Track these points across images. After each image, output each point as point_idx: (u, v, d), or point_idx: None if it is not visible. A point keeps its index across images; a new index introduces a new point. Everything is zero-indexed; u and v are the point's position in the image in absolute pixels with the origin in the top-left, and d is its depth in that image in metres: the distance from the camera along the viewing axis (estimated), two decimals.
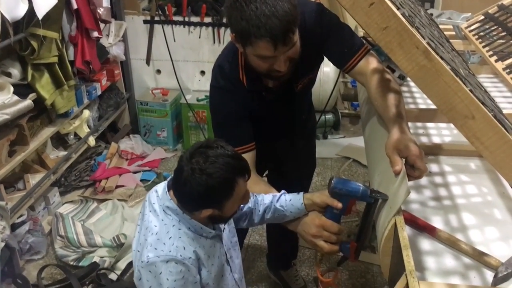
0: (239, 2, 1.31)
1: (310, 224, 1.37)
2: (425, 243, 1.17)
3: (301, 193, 1.42)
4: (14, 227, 2.58)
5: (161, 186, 1.33)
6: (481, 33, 1.99)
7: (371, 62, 1.53)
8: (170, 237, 1.24)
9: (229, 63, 1.59)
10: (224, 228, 1.40)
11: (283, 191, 1.48)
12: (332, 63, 1.64)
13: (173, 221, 1.26)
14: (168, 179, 1.31)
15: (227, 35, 3.65)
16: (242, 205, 1.38)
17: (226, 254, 1.40)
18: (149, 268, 1.23)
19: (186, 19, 3.66)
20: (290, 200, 1.42)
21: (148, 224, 1.28)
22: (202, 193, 1.18)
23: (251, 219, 1.48)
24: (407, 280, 0.94)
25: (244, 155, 1.51)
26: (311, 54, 1.56)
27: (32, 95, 2.61)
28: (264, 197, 1.46)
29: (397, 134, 1.25)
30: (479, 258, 1.10)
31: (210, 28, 3.67)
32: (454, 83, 0.87)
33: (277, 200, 1.44)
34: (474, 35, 2.00)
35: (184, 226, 1.27)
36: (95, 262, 2.63)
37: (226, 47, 1.67)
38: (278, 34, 1.30)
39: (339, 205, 1.31)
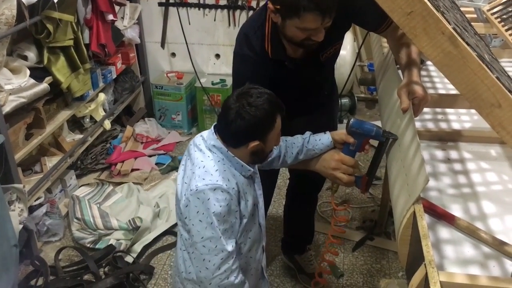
0: None
1: (330, 160, 1.55)
2: (444, 232, 1.15)
3: (328, 132, 1.61)
4: (31, 209, 2.61)
5: (206, 132, 1.50)
6: (504, 16, 1.93)
7: None
8: (217, 170, 1.38)
9: (255, 32, 1.64)
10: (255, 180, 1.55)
11: (309, 132, 1.63)
12: (367, 29, 1.74)
13: (218, 158, 1.41)
14: (214, 124, 1.47)
15: (242, 18, 3.61)
16: (275, 147, 1.53)
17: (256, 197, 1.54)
18: (197, 195, 1.36)
19: (201, 1, 3.63)
20: (320, 139, 1.60)
21: (195, 161, 1.42)
22: (252, 124, 1.34)
23: (283, 161, 1.64)
24: (426, 270, 0.94)
25: None
26: (338, 22, 1.58)
27: (48, 79, 2.61)
28: (294, 140, 1.62)
29: (407, 79, 1.42)
30: (499, 247, 1.08)
31: (225, 11, 3.63)
32: (481, 70, 0.84)
33: (308, 142, 1.61)
34: (496, 18, 1.95)
35: (227, 163, 1.42)
36: (111, 244, 2.66)
37: (253, 16, 1.71)
38: (327, 7, 1.40)
39: (353, 140, 1.51)
